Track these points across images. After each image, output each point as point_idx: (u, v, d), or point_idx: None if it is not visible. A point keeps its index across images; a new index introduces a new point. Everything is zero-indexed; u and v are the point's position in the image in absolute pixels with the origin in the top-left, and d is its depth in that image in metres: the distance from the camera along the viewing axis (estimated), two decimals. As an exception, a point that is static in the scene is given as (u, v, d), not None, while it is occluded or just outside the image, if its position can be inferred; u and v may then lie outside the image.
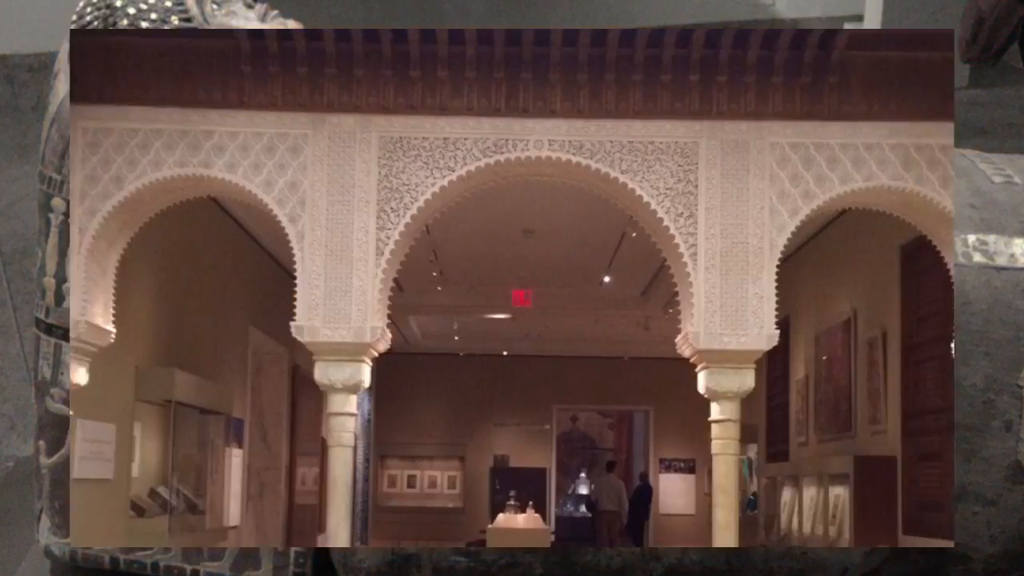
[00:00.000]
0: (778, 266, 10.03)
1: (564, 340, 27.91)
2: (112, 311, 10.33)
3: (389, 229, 9.99)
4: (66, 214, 7.69)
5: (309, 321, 9.90)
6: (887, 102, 10.03)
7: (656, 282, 20.52)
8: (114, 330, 10.35)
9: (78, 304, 9.76)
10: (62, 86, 7.80)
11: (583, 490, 37.73)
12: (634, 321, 23.78)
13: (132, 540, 12.29)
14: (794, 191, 10.00)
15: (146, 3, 7.66)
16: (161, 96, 9.93)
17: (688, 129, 10.09)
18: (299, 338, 9.96)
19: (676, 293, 10.51)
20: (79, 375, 9.96)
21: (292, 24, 8.25)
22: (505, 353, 29.94)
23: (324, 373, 10.02)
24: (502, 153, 10.00)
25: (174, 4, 7.70)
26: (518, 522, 17.71)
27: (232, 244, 16.35)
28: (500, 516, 18.43)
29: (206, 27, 7.73)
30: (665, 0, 11.44)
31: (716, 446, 10.20)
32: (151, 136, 9.90)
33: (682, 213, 10.02)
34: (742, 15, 10.69)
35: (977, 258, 7.53)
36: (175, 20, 7.70)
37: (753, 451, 19.90)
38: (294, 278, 9.98)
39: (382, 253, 9.96)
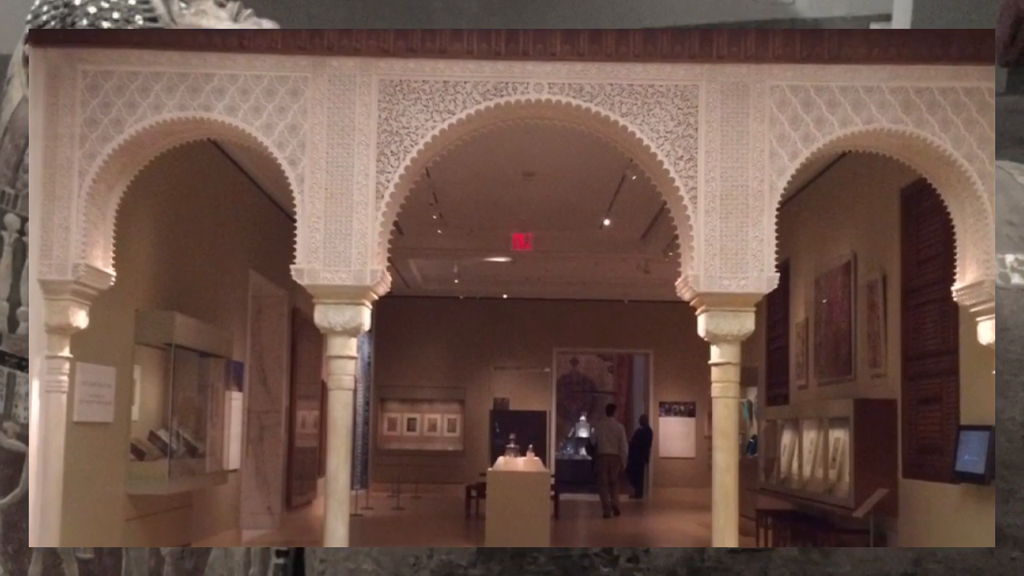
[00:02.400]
0: (778, 209, 10.00)
1: (564, 283, 27.94)
2: (112, 254, 10.32)
3: (389, 172, 9.96)
4: (21, 231, 7.47)
5: (309, 264, 9.89)
6: (887, 45, 9.99)
7: (656, 225, 20.53)
8: (114, 273, 10.34)
9: (78, 247, 9.76)
10: (16, 91, 7.57)
11: (583, 433, 37.92)
12: (634, 264, 23.81)
13: (132, 483, 12.34)
14: (794, 134, 9.96)
15: (108, 2, 7.40)
16: (161, 39, 9.88)
17: (688, 72, 10.04)
18: (299, 281, 9.94)
19: (676, 236, 10.49)
20: (79, 318, 9.97)
21: (267, 24, 8.04)
22: (505, 296, 29.99)
23: (324, 316, 10.01)
24: (502, 96, 9.96)
25: (139, 3, 7.42)
26: (518, 465, 17.76)
27: (232, 187, 16.34)
28: (500, 459, 18.48)
29: (173, 27, 7.52)
30: (678, 0, 11.21)
31: (716, 389, 10.20)
32: (151, 79, 9.85)
33: (682, 156, 9.98)
34: (760, 15, 10.49)
35: (1016, 280, 7.31)
36: (140, 20, 7.46)
37: (753, 394, 19.96)
38: (294, 221, 9.96)
39: (382, 196, 9.94)
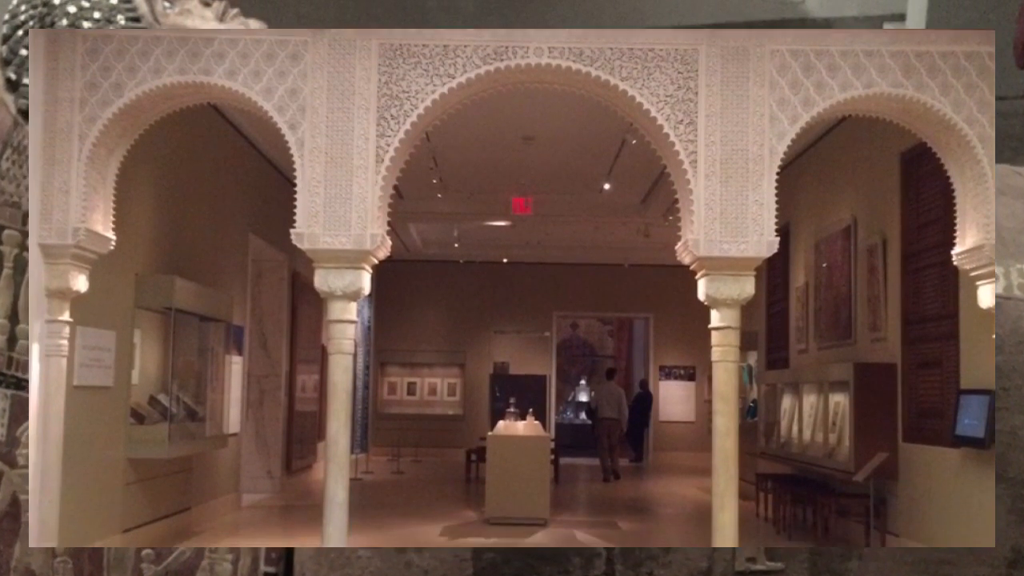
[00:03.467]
0: (778, 173, 9.99)
1: (564, 247, 27.94)
2: (112, 218, 10.32)
3: (389, 136, 9.95)
4: (22, 246, 7.33)
5: (309, 228, 9.89)
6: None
7: (656, 189, 20.53)
8: (114, 237, 10.35)
9: (78, 211, 9.76)
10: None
11: (583, 397, 37.95)
12: (634, 228, 23.78)
13: (132, 447, 12.36)
14: (794, 98, 9.95)
15: (88, 1, 7.26)
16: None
17: (688, 36, 10.02)
18: (299, 245, 9.94)
19: (676, 200, 10.49)
20: (79, 282, 9.98)
21: (254, 24, 7.93)
22: (505, 260, 29.99)
23: (324, 280, 10.02)
24: (502, 60, 9.94)
25: (120, 2, 7.28)
26: (518, 429, 17.75)
27: (232, 151, 16.33)
28: (500, 423, 18.45)
29: (157, 27, 7.43)
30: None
31: (716, 353, 10.21)
32: (151, 43, 9.83)
33: (682, 120, 9.98)
34: (768, 15, 10.38)
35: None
36: (121, 20, 7.35)
37: (753, 358, 19.98)
38: (294, 185, 9.95)
39: (382, 160, 9.93)
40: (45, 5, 7.12)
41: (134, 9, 7.24)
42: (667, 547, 7.76)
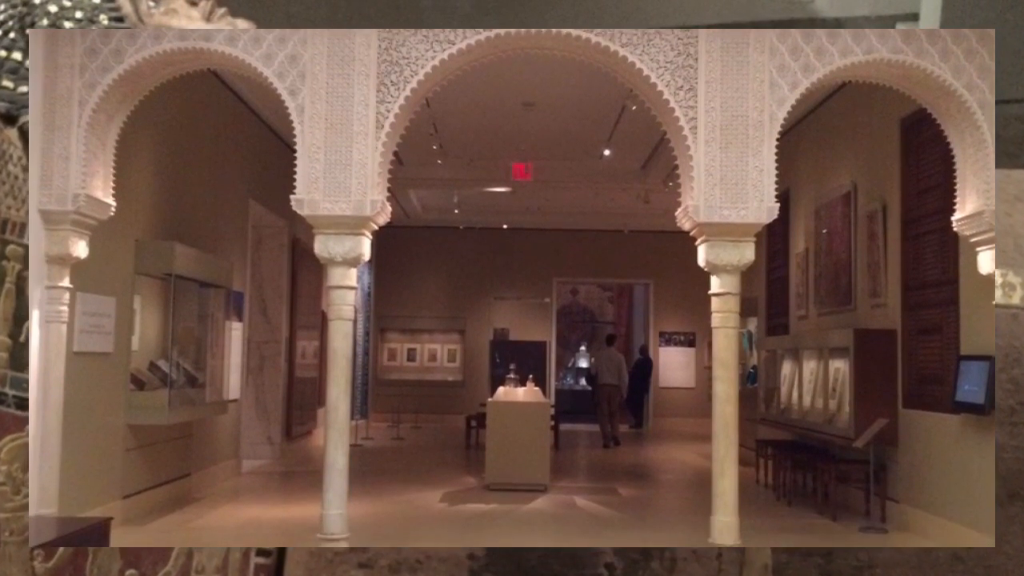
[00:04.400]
0: (778, 139, 10.00)
1: (564, 213, 27.93)
2: (112, 184, 10.32)
3: (389, 102, 9.95)
4: (24, 263, 7.18)
5: (309, 194, 9.89)
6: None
7: (656, 155, 20.52)
8: (114, 203, 10.35)
9: (78, 177, 9.77)
10: None
11: (583, 363, 37.96)
12: (634, 194, 23.79)
13: (132, 413, 12.38)
14: (794, 64, 9.94)
15: (70, 0, 7.19)
16: (159, -32, 9.84)
17: (688, 1, 10.01)
18: (299, 211, 9.95)
19: (676, 166, 10.49)
20: (79, 248, 9.98)
21: (242, 24, 7.82)
22: (505, 226, 29.98)
23: (324, 246, 10.03)
24: (502, 26, 9.93)
25: (104, 2, 7.20)
26: (518, 395, 17.75)
27: (232, 117, 16.31)
28: (500, 389, 18.45)
29: (141, 27, 7.33)
30: None
31: (716, 319, 10.23)
32: (149, 8, 9.82)
33: (682, 87, 9.97)
34: (776, 15, 10.27)
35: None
36: (104, 19, 7.24)
37: (753, 324, 19.98)
38: (294, 151, 9.95)
39: (382, 126, 9.93)
40: (25, 4, 6.98)
41: (117, 9, 7.13)
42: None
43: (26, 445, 6.88)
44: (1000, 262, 7.72)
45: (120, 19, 7.10)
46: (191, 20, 7.43)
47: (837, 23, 10.01)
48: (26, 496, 6.80)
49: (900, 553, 7.65)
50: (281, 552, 7.64)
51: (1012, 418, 7.20)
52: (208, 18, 7.54)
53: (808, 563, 7.50)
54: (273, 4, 10.00)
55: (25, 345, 6.95)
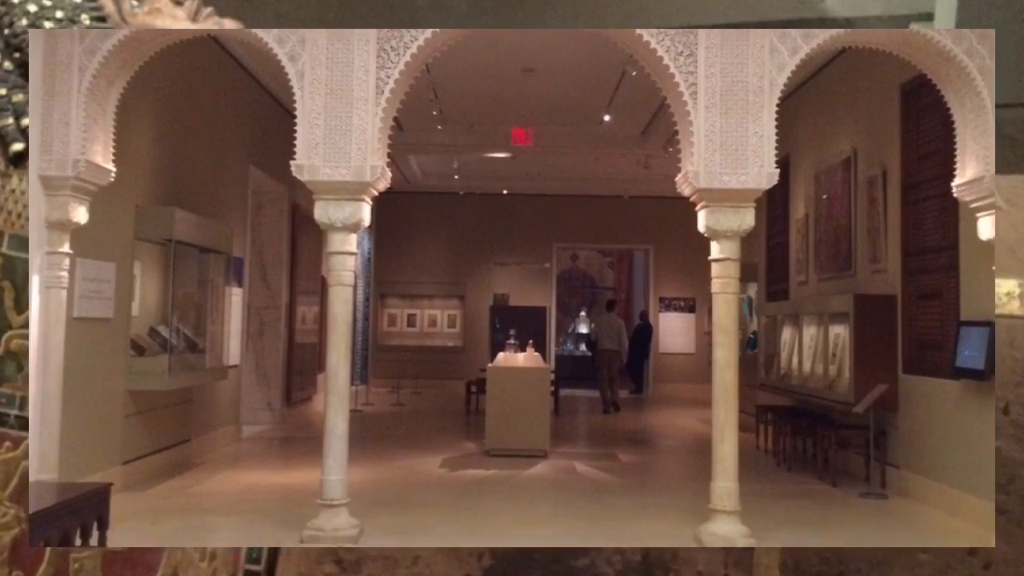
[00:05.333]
0: (778, 105, 9.97)
1: (564, 179, 27.93)
2: (112, 150, 10.31)
3: (389, 68, 9.93)
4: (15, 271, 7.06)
5: (309, 160, 9.87)
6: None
7: (656, 121, 20.51)
8: (114, 169, 10.34)
9: (78, 143, 9.76)
10: None
11: (583, 329, 37.97)
12: (634, 160, 23.79)
13: (132, 379, 12.39)
14: (794, 30, 9.92)
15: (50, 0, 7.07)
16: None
17: (690, -34, 9.99)
18: (299, 177, 9.93)
19: (676, 132, 10.47)
20: (79, 214, 9.98)
21: (229, 24, 7.70)
22: (505, 192, 29.95)
23: (324, 212, 10.01)
24: (502, -9, 9.92)
25: (85, 0, 7.13)
26: (518, 361, 17.77)
27: (232, 83, 16.29)
28: (500, 355, 18.48)
29: (124, 27, 7.25)
30: None
31: (716, 285, 10.22)
32: (148, -27, 9.79)
33: (682, 52, 9.94)
34: (785, 14, 10.16)
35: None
36: (85, 19, 7.14)
37: (753, 290, 20.00)
38: (294, 117, 9.93)
39: (382, 92, 9.91)
40: (3, 4, 6.88)
41: (99, 8, 7.04)
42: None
43: (10, 460, 6.77)
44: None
45: (102, 19, 6.99)
46: (176, 20, 7.32)
47: (848, 23, 9.92)
48: (4, 515, 6.68)
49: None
50: (273, 553, 7.63)
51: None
52: (194, 18, 7.43)
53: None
54: (262, 3, 9.91)
55: (6, 358, 6.86)
